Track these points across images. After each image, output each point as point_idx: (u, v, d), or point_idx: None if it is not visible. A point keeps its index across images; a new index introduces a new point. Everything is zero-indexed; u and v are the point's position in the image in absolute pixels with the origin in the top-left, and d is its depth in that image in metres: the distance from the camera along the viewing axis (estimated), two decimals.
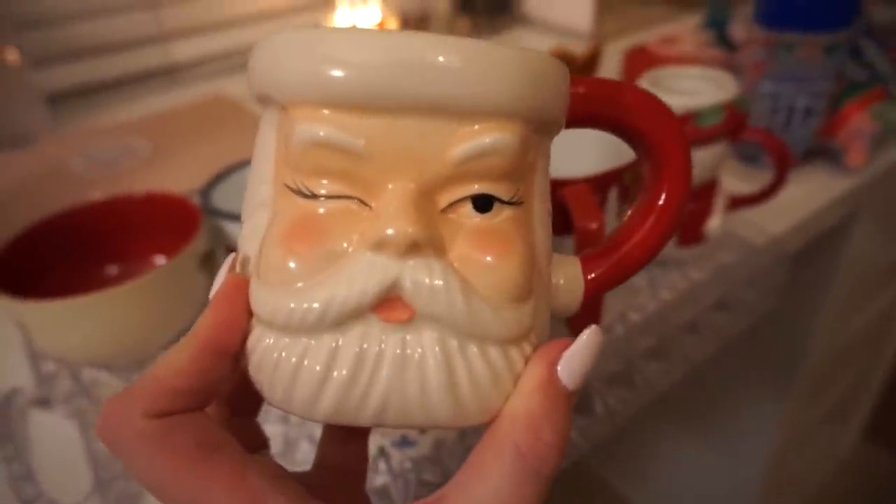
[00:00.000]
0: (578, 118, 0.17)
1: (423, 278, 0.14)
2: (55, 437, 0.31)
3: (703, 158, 0.36)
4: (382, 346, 0.14)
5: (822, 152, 0.50)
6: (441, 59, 0.14)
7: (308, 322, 0.14)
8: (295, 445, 0.30)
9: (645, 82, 0.37)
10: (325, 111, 0.14)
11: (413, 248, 0.14)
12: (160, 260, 0.40)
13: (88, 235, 0.38)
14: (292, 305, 0.14)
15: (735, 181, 0.49)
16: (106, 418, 0.14)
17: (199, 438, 0.14)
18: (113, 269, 0.39)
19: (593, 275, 0.18)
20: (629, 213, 0.19)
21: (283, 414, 0.31)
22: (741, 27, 0.54)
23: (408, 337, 0.14)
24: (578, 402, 0.33)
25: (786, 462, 0.80)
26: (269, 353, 0.15)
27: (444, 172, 0.14)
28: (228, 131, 0.62)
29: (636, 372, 0.35)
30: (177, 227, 0.37)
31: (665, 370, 0.36)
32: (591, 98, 0.17)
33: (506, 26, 0.87)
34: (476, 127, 0.14)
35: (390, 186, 0.14)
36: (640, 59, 0.61)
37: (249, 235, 0.16)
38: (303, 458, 0.29)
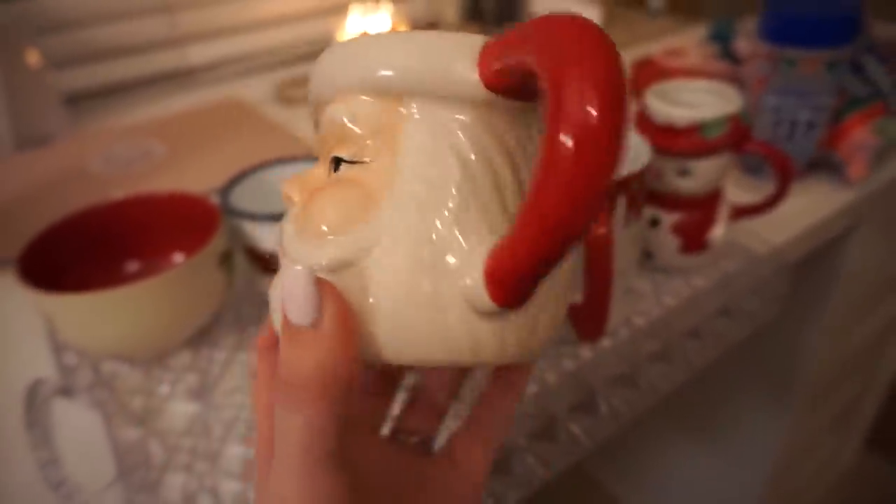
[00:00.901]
0: (499, 88, 0.16)
1: (286, 223, 0.18)
2: (78, 427, 0.32)
3: (707, 169, 0.37)
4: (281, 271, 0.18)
5: (824, 165, 0.51)
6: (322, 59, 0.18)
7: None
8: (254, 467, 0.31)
9: (652, 94, 0.39)
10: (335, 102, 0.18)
11: (287, 200, 0.19)
12: (179, 258, 0.41)
13: (111, 232, 0.39)
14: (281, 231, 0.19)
15: (739, 192, 0.50)
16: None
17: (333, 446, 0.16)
18: (133, 266, 0.41)
19: (495, 261, 0.15)
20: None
21: (244, 434, 0.32)
22: (745, 41, 0.55)
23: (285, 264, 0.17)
24: (584, 402, 0.34)
25: (787, 471, 0.81)
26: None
27: (326, 139, 0.18)
28: (243, 134, 0.63)
29: (640, 374, 0.36)
30: (196, 226, 0.38)
31: (668, 373, 0.37)
32: (501, 71, 0.15)
33: None
34: (325, 105, 0.18)
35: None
36: (647, 71, 0.62)
37: None
38: None
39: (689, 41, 0.71)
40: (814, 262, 0.58)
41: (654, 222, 0.40)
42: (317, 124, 0.19)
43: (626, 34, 0.84)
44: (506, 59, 0.15)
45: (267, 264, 0.37)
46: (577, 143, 0.12)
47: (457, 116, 0.17)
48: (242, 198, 0.39)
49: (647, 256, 0.42)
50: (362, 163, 0.17)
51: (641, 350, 0.37)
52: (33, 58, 0.62)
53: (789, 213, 0.47)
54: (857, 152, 0.49)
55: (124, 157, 0.60)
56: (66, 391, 0.33)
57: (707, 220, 0.40)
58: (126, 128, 0.67)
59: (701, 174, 0.38)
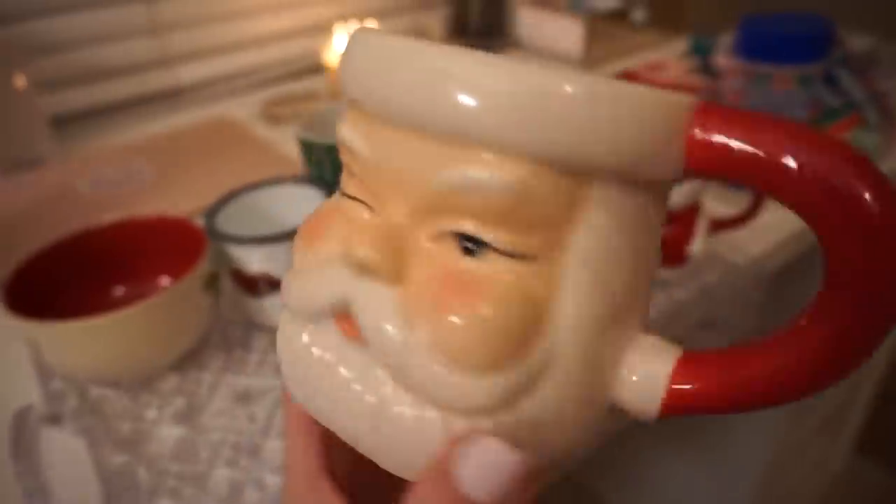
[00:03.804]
0: (706, 172, 0.12)
1: (367, 303, 0.13)
2: (65, 454, 0.33)
3: (685, 183, 0.38)
4: (334, 352, 0.14)
5: None
6: (439, 77, 0.12)
7: (290, 308, 0.15)
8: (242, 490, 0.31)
9: None
10: (357, 115, 0.14)
11: (363, 269, 0.13)
12: (165, 281, 0.41)
13: (96, 257, 0.39)
14: (284, 287, 0.15)
15: (717, 205, 0.51)
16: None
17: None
18: (119, 290, 0.41)
19: (683, 387, 0.13)
20: (788, 322, 0.13)
21: (231, 458, 0.33)
22: (723, 56, 0.56)
23: (354, 356, 0.14)
24: None
25: (777, 476, 0.82)
26: (288, 342, 0.16)
27: (427, 199, 0.13)
28: (232, 154, 0.64)
29: None
30: (182, 250, 0.38)
31: None
32: (713, 148, 0.12)
33: (498, 51, 0.90)
34: (463, 155, 0.12)
35: (389, 203, 0.14)
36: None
37: None
38: (250, 500, 0.31)
39: (671, 55, 0.73)
40: (793, 271, 0.59)
41: None
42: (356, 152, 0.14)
43: (609, 48, 0.85)
44: (736, 145, 0.12)
45: (253, 287, 0.37)
46: (858, 344, 0.12)
47: (639, 200, 0.13)
48: (229, 220, 0.39)
49: None
50: (523, 257, 0.13)
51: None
52: (20, 81, 0.62)
53: (767, 225, 0.48)
54: None
55: (112, 179, 0.60)
56: (53, 418, 0.33)
57: (686, 234, 0.41)
58: (114, 149, 0.67)
59: (678, 189, 0.38)
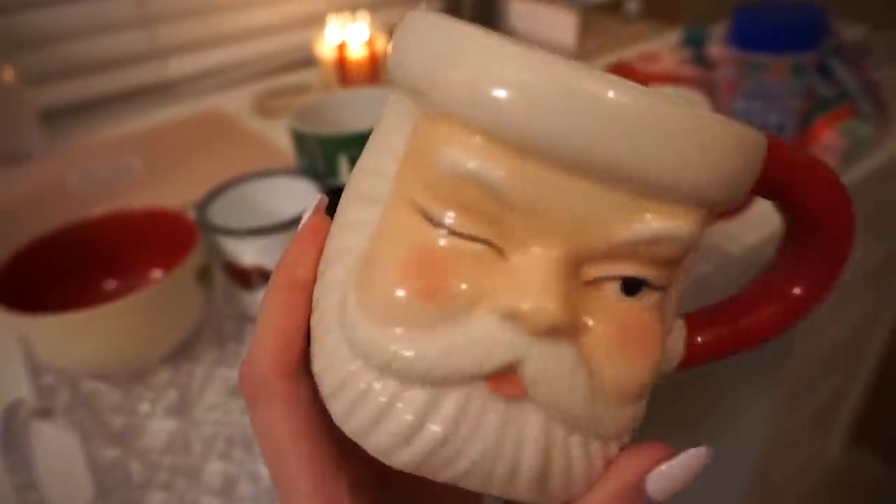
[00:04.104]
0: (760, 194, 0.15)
1: (550, 368, 0.12)
2: (57, 448, 0.32)
3: None
4: (483, 416, 0.13)
5: None
6: (646, 123, 0.11)
7: (411, 372, 0.13)
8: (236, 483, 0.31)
9: None
10: (483, 141, 0.12)
11: (550, 332, 0.12)
12: (157, 274, 0.41)
13: (87, 250, 0.39)
14: (394, 349, 0.13)
15: None
16: (247, 372, 0.15)
17: (310, 420, 0.14)
18: (111, 283, 0.40)
19: (700, 342, 0.16)
20: (758, 278, 0.16)
21: (224, 451, 0.32)
22: (716, 47, 0.56)
23: (512, 412, 0.13)
24: None
25: (771, 467, 0.82)
26: (354, 381, 0.13)
27: (602, 248, 0.12)
28: (224, 147, 0.63)
29: None
30: (173, 242, 0.38)
31: None
32: (769, 173, 0.14)
33: None
34: (656, 209, 0.12)
35: (536, 248, 0.12)
36: (622, 75, 0.63)
37: (353, 224, 0.15)
38: (244, 493, 0.30)
39: (664, 46, 0.72)
40: None
41: None
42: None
43: (603, 39, 0.85)
44: (787, 177, 0.15)
45: (245, 279, 0.37)
46: (823, 298, 0.16)
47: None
48: (220, 212, 0.39)
49: None
50: (664, 288, 0.13)
51: None
52: (8, 74, 0.62)
53: (761, 214, 0.48)
54: (825, 154, 0.50)
55: (102, 174, 0.60)
56: (44, 412, 0.32)
57: None
58: (104, 143, 0.66)
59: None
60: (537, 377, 0.12)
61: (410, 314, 0.13)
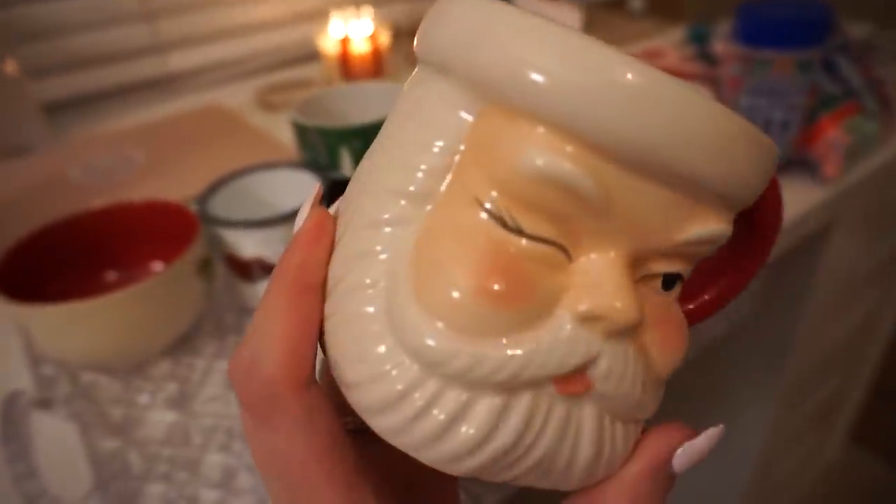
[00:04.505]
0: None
1: (620, 365, 0.13)
2: (56, 438, 0.32)
3: None
4: (548, 417, 0.13)
5: (799, 164, 0.52)
6: (708, 129, 0.12)
7: (490, 379, 0.12)
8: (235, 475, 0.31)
9: None
10: (569, 146, 0.12)
11: (628, 330, 0.13)
12: (158, 266, 0.41)
13: (88, 242, 0.39)
14: (472, 356, 0.12)
15: None
16: (256, 386, 0.13)
17: (332, 425, 0.13)
18: (112, 275, 0.40)
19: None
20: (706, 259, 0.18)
21: (224, 443, 0.32)
22: (721, 43, 0.56)
23: (572, 409, 0.13)
24: None
25: (771, 465, 0.82)
26: (417, 392, 0.13)
27: (662, 248, 0.13)
28: (224, 141, 0.63)
29: None
30: (175, 235, 0.38)
31: None
32: None
33: None
34: (708, 212, 0.13)
35: (605, 250, 0.13)
36: None
37: (382, 223, 0.13)
38: (243, 485, 0.30)
39: (669, 43, 0.72)
40: (792, 259, 0.59)
41: None
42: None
43: (607, 36, 0.85)
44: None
45: (246, 272, 0.37)
46: (757, 270, 0.17)
47: None
48: (221, 205, 0.39)
49: None
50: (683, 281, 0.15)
51: None
52: (11, 67, 0.62)
53: None
54: (830, 151, 0.50)
55: (104, 167, 0.60)
56: (43, 403, 0.32)
57: None
58: (106, 136, 0.66)
59: None
60: (607, 373, 0.13)
61: (489, 320, 0.12)
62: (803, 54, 0.45)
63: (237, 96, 0.74)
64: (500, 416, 0.12)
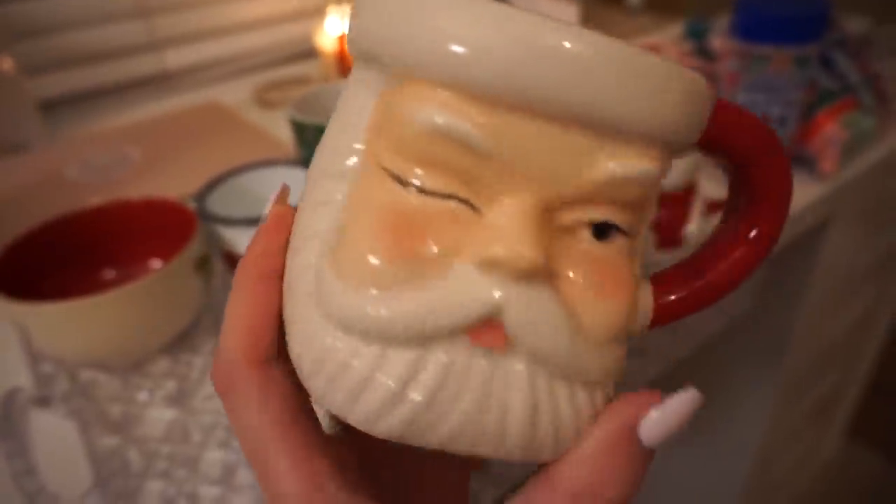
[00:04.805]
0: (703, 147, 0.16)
1: (531, 310, 0.12)
2: (55, 436, 0.32)
3: (680, 164, 0.38)
4: (468, 371, 0.13)
5: (797, 159, 0.52)
6: (605, 67, 0.12)
7: (390, 333, 0.12)
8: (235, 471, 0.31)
9: None
10: (451, 96, 0.12)
11: (528, 275, 0.12)
12: (156, 264, 0.41)
13: (86, 240, 0.39)
14: (371, 311, 0.12)
15: (712, 186, 0.50)
16: (219, 367, 0.15)
17: (287, 398, 0.14)
18: (110, 273, 0.40)
19: (666, 300, 0.16)
20: (713, 236, 0.17)
21: (223, 439, 0.32)
22: (719, 38, 0.56)
23: (496, 365, 0.13)
24: None
25: (769, 462, 0.82)
26: (332, 354, 0.13)
27: (574, 193, 0.13)
28: (222, 139, 0.63)
29: None
30: (173, 232, 0.38)
31: (643, 367, 0.38)
32: (724, 131, 0.15)
33: None
34: (623, 151, 0.13)
35: (509, 199, 0.13)
36: None
37: (320, 203, 0.14)
38: (243, 482, 0.30)
39: (666, 39, 0.72)
40: (789, 255, 0.59)
41: None
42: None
43: (605, 32, 0.85)
44: (737, 134, 0.15)
45: None
46: (776, 234, 0.16)
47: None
48: (219, 202, 0.39)
49: None
50: (631, 234, 0.14)
51: None
52: (7, 64, 0.61)
53: None
54: (827, 147, 0.50)
55: (101, 164, 0.59)
56: (42, 400, 0.32)
57: (682, 216, 0.40)
58: (103, 134, 0.66)
59: (674, 170, 0.38)
60: (520, 322, 0.12)
61: (386, 275, 0.13)
62: (801, 50, 0.45)
63: (234, 94, 0.73)
64: (416, 367, 0.12)
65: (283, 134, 0.62)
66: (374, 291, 0.13)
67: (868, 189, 0.58)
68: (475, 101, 0.12)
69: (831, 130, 0.50)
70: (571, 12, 0.81)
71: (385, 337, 0.13)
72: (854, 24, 0.57)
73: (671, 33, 0.80)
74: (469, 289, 0.12)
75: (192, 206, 0.37)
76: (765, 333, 0.67)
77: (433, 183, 0.13)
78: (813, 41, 0.45)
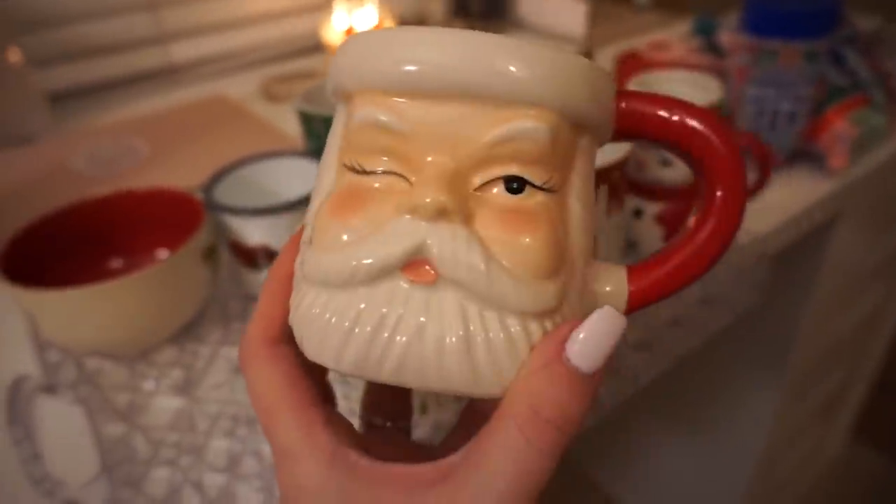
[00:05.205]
0: (627, 132, 0.18)
1: (448, 243, 0.15)
2: (62, 423, 0.32)
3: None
4: (406, 305, 0.15)
5: (806, 155, 0.52)
6: (487, 55, 0.15)
7: (342, 278, 0.16)
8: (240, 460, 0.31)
9: (633, 86, 0.39)
10: (379, 97, 0.16)
11: (441, 213, 0.15)
12: (163, 254, 0.41)
13: (93, 230, 0.39)
14: (329, 262, 0.16)
15: None
16: (242, 346, 0.18)
17: (291, 368, 0.18)
18: (117, 263, 0.40)
19: (639, 285, 0.18)
20: (685, 225, 0.19)
21: (229, 429, 0.32)
22: (728, 34, 0.56)
23: (431, 299, 0.15)
24: None
25: (773, 462, 0.82)
26: (308, 308, 0.16)
27: (478, 153, 0.16)
28: (229, 132, 0.63)
29: (622, 363, 0.36)
30: (180, 223, 0.38)
31: (649, 362, 0.38)
32: (636, 114, 0.18)
33: (500, 31, 0.89)
34: (510, 113, 0.16)
35: (428, 167, 0.16)
36: (631, 64, 0.63)
37: (313, 205, 0.18)
38: (248, 470, 0.30)
39: (674, 35, 0.72)
40: (797, 252, 0.59)
41: (638, 213, 0.40)
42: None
43: (612, 29, 0.84)
44: (648, 111, 0.18)
45: (251, 259, 0.37)
46: (735, 217, 0.18)
47: (594, 154, 0.18)
48: (226, 193, 0.39)
49: (631, 247, 0.42)
50: (550, 191, 0.16)
51: (623, 341, 0.37)
52: (15, 56, 0.61)
53: (771, 204, 0.48)
54: (837, 143, 0.50)
55: (108, 156, 0.60)
56: (49, 388, 0.32)
57: (688, 209, 0.40)
58: (109, 126, 0.66)
59: (683, 165, 0.38)
60: (441, 257, 0.15)
61: (339, 236, 0.16)
62: (810, 45, 0.44)
63: (241, 87, 0.73)
64: (364, 303, 0.16)
65: (290, 127, 0.62)
66: (331, 252, 0.16)
67: (877, 186, 0.58)
68: (396, 96, 0.16)
69: (841, 127, 0.49)
70: (580, 9, 0.81)
71: (339, 283, 0.16)
72: (865, 22, 0.57)
73: (679, 30, 0.80)
74: (396, 234, 0.15)
75: (199, 196, 0.37)
76: (771, 330, 0.67)
77: (373, 164, 0.16)
78: (822, 36, 0.45)
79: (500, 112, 0.16)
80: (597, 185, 0.33)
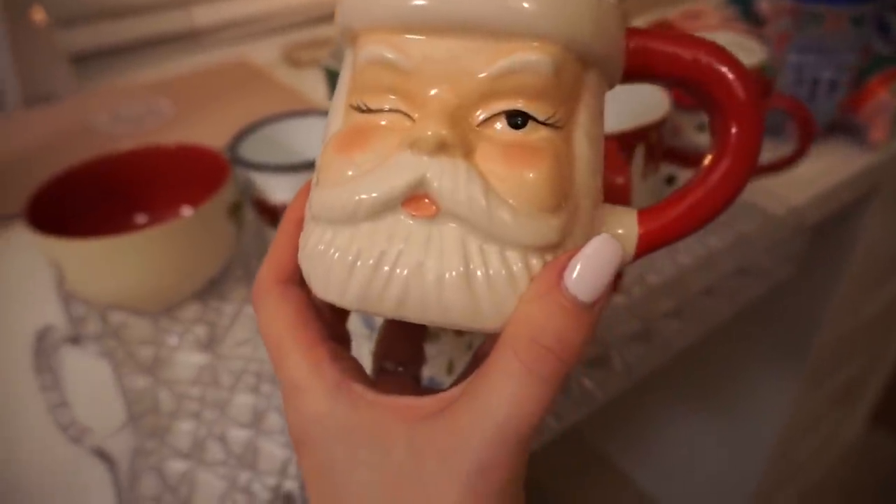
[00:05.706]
0: (639, 70, 0.18)
1: (448, 176, 0.15)
2: (87, 373, 0.32)
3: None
4: (407, 240, 0.15)
5: (845, 127, 0.50)
6: None
7: (345, 213, 0.15)
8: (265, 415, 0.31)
9: None
10: (384, 34, 0.16)
11: (441, 146, 0.15)
12: (188, 211, 0.41)
13: (119, 184, 0.39)
14: (333, 197, 0.16)
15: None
16: (255, 286, 0.19)
17: (300, 307, 0.18)
18: (142, 218, 0.40)
19: (649, 227, 0.18)
20: (699, 168, 0.18)
21: (253, 385, 0.32)
22: (766, 2, 0.54)
23: (432, 232, 0.15)
24: (598, 357, 0.34)
25: (791, 444, 0.81)
26: (314, 246, 0.16)
27: (481, 87, 0.15)
28: (252, 95, 0.62)
29: (654, 331, 0.36)
30: (205, 179, 0.37)
31: (682, 330, 0.37)
32: (647, 51, 0.17)
33: None
34: (514, 46, 0.15)
35: (430, 102, 0.15)
36: (665, 33, 0.61)
37: (321, 146, 0.18)
38: (273, 426, 0.30)
39: (709, 5, 0.69)
40: (830, 229, 0.57)
41: (671, 180, 0.39)
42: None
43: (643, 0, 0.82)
44: (659, 48, 0.17)
45: (275, 217, 0.36)
46: (748, 163, 0.17)
47: (604, 92, 0.17)
48: (251, 151, 0.38)
49: None
50: (555, 126, 0.16)
51: (656, 308, 0.36)
52: (39, 15, 0.61)
53: (807, 175, 0.46)
54: (878, 115, 0.48)
55: (131, 115, 0.59)
56: (74, 339, 0.32)
57: None
58: (133, 87, 0.66)
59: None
60: (442, 190, 0.15)
61: (343, 171, 0.16)
62: (857, 9, 0.42)
63: (264, 53, 0.73)
64: (366, 238, 0.15)
65: (313, 93, 0.62)
66: (335, 186, 0.16)
67: None
68: (399, 33, 0.16)
69: (884, 98, 0.47)
70: None
71: (343, 219, 0.16)
72: None
73: (713, 0, 0.77)
74: (398, 168, 0.15)
75: (224, 153, 0.37)
76: (797, 311, 0.65)
77: (378, 103, 0.16)
78: (869, 0, 0.43)
79: (504, 45, 0.15)
80: (634, 145, 0.32)
